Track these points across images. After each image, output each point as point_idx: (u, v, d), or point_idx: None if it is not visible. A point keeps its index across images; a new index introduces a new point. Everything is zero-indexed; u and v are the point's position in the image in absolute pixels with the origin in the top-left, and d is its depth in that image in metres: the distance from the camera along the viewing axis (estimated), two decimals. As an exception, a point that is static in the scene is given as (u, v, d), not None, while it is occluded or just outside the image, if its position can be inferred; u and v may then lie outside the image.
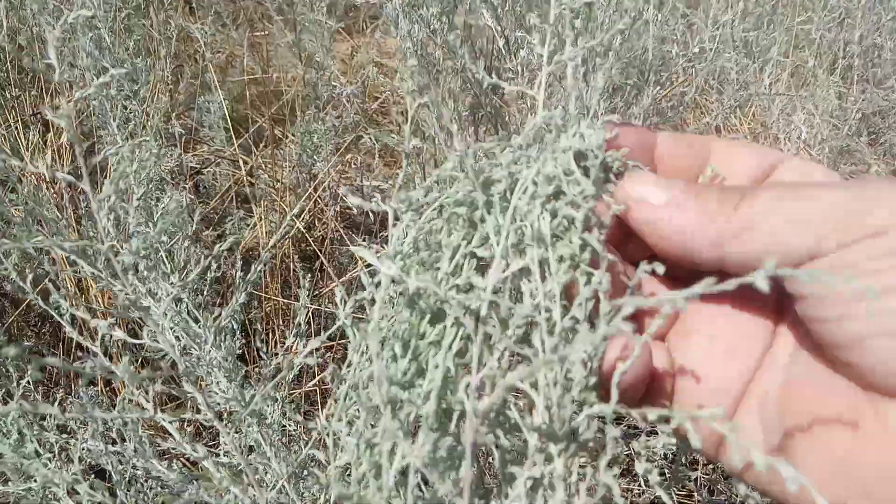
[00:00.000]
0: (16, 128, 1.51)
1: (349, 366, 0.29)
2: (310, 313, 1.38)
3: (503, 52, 0.64)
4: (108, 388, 1.19)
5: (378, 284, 0.27)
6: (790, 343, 0.30)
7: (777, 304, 0.31)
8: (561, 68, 0.28)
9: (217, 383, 0.49)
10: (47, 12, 1.51)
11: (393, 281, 0.27)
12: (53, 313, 0.59)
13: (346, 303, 0.30)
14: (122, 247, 0.39)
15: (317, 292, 1.47)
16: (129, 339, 0.41)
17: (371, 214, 1.54)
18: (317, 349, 0.57)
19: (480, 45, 0.70)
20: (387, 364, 0.27)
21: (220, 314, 0.49)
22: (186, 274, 0.46)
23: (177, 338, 0.49)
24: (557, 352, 0.26)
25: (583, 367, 0.27)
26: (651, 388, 0.31)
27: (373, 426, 0.26)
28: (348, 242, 1.51)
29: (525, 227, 0.28)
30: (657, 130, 0.34)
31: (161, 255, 0.46)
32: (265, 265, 0.55)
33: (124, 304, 0.38)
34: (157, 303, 0.44)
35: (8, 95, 1.56)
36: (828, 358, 0.28)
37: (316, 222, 1.57)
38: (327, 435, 0.29)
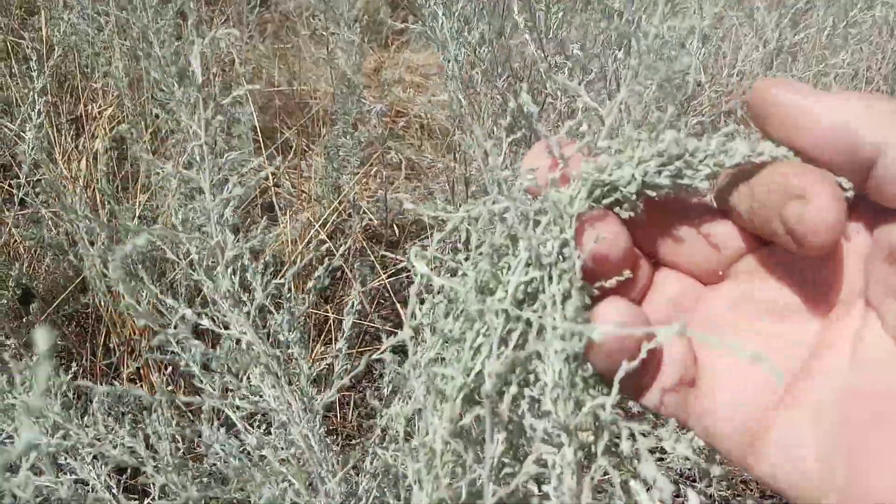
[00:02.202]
0: (49, 132, 1.54)
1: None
2: (332, 321, 1.41)
3: (543, 76, 0.66)
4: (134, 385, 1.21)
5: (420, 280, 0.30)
6: (847, 348, 0.28)
7: (832, 305, 0.29)
8: (635, 98, 0.29)
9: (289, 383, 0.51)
10: (86, 23, 1.55)
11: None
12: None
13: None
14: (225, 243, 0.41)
15: (338, 301, 1.50)
16: (222, 330, 0.43)
17: (395, 229, 1.57)
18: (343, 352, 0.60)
19: (519, 67, 0.73)
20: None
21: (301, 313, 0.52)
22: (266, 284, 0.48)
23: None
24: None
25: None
26: (663, 378, 0.30)
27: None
28: (370, 253, 1.54)
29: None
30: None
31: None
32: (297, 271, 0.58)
33: (225, 297, 0.40)
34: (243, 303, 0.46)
35: (42, 102, 1.60)
36: None
37: (339, 233, 1.60)
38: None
